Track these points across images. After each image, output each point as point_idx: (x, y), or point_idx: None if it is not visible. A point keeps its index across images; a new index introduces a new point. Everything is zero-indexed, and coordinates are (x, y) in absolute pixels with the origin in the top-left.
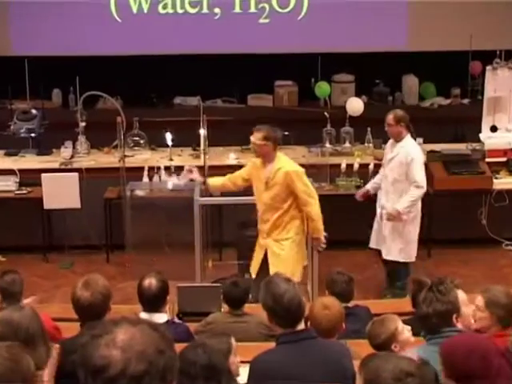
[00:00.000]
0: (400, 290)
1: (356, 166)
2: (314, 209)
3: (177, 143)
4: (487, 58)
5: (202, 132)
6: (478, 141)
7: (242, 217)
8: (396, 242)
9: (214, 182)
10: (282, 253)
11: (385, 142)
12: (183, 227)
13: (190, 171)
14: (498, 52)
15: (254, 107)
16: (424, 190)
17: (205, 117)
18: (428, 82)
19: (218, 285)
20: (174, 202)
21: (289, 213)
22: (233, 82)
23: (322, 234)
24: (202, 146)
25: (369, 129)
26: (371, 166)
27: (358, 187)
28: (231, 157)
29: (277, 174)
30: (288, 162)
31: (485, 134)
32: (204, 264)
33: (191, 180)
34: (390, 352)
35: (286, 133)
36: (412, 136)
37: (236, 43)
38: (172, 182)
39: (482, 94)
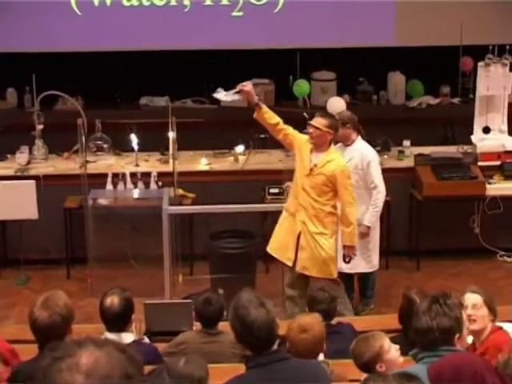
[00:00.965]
0: (370, 298)
1: None
2: (355, 212)
3: (143, 147)
4: (479, 53)
5: (171, 135)
6: (470, 143)
7: (215, 227)
8: (359, 254)
9: (269, 112)
10: (324, 253)
11: (370, 145)
12: (151, 239)
13: (248, 86)
14: (490, 47)
15: (228, 108)
16: (384, 193)
17: (174, 118)
18: (415, 79)
19: (189, 301)
20: (140, 212)
21: (325, 208)
22: (204, 81)
23: (356, 242)
24: (170, 151)
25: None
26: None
27: None
28: (203, 162)
29: (326, 165)
30: (340, 158)
31: (477, 136)
32: (174, 279)
33: (240, 92)
34: (380, 372)
35: (262, 135)
36: (363, 137)
37: (207, 38)
38: (138, 189)
39: (474, 93)
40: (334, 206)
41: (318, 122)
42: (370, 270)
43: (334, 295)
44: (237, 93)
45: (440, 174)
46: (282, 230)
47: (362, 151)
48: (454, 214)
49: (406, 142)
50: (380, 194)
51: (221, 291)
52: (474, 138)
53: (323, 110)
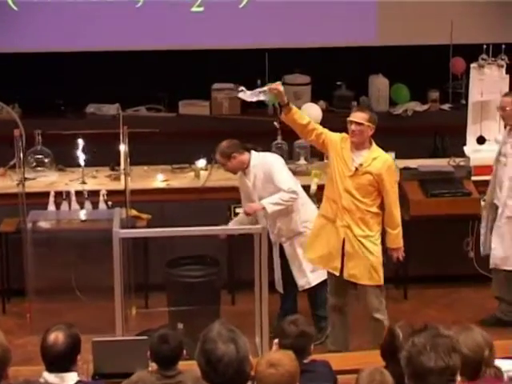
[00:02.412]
0: (324, 319)
1: (313, 187)
2: (399, 213)
3: (91, 162)
4: (471, 53)
5: (123, 148)
6: (463, 155)
7: (173, 253)
8: (299, 266)
9: (298, 112)
10: (372, 257)
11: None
12: (99, 267)
13: (278, 86)
14: (484, 46)
15: (187, 116)
16: (296, 196)
17: (125, 129)
18: (400, 83)
19: (144, 338)
20: (87, 236)
21: (371, 209)
22: (160, 86)
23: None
24: (122, 166)
25: None
26: None
27: None
28: (159, 178)
29: (372, 163)
30: (385, 154)
31: (470, 147)
32: (126, 312)
33: (266, 92)
34: None
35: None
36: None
37: (163, 37)
38: (85, 210)
39: (466, 98)
40: (379, 206)
41: (360, 116)
42: (315, 283)
43: (306, 331)
44: (262, 92)
45: (429, 191)
46: (321, 238)
47: (260, 160)
48: (445, 236)
49: (374, 144)
50: (289, 194)
51: (180, 326)
52: (466, 149)
53: (359, 105)
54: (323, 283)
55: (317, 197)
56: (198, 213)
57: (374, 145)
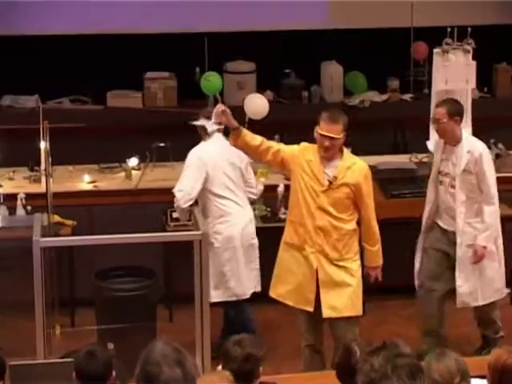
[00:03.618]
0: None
1: (260, 188)
2: (377, 226)
3: (6, 161)
4: (434, 37)
5: (43, 145)
6: (426, 151)
7: (102, 263)
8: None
9: (249, 134)
10: (354, 282)
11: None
12: (18, 280)
13: (223, 112)
14: (448, 29)
15: (116, 109)
16: (180, 196)
17: (46, 123)
18: (356, 71)
19: (69, 360)
20: (3, 245)
21: (349, 226)
22: (85, 75)
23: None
24: (42, 165)
25: (276, 136)
26: (281, 189)
27: (265, 217)
28: (85, 179)
29: (347, 173)
30: (359, 159)
31: (434, 142)
32: (49, 332)
33: (219, 123)
34: None
35: (162, 144)
36: None
37: (89, 20)
38: (1, 216)
39: (430, 87)
40: (356, 222)
41: (335, 130)
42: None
43: (252, 353)
44: (217, 123)
45: (389, 191)
46: (288, 270)
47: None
48: (407, 241)
49: (345, 151)
50: None
51: (111, 346)
52: (430, 144)
53: (328, 111)
54: (230, 305)
55: (264, 199)
56: (130, 218)
57: (345, 151)
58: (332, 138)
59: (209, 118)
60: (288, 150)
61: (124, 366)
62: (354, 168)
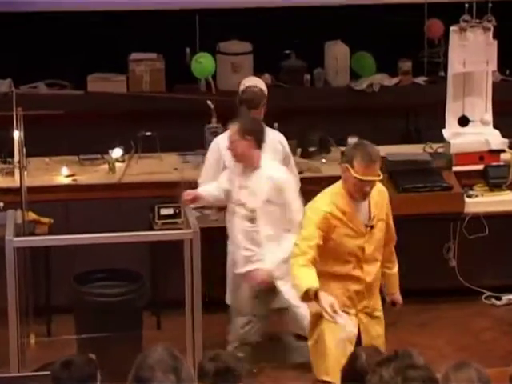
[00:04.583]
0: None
1: None
2: None
3: None
4: (451, 14)
5: (17, 135)
6: (441, 140)
7: (82, 265)
8: None
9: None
10: (382, 332)
11: (302, 143)
12: None
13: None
14: (466, 5)
15: (98, 94)
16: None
17: (20, 110)
18: (364, 51)
19: (46, 373)
20: None
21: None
22: (63, 56)
23: None
24: (16, 157)
25: (276, 124)
26: None
27: None
28: (63, 173)
29: (378, 203)
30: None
31: (451, 130)
32: (23, 342)
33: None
34: None
35: (149, 133)
36: None
37: None
38: None
39: (446, 70)
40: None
41: (374, 171)
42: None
43: (229, 367)
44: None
45: (400, 185)
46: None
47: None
48: (421, 241)
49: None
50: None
51: (92, 356)
52: (446, 132)
53: (362, 146)
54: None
55: None
56: (114, 215)
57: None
58: (374, 181)
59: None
60: (318, 233)
61: (106, 379)
62: (376, 194)
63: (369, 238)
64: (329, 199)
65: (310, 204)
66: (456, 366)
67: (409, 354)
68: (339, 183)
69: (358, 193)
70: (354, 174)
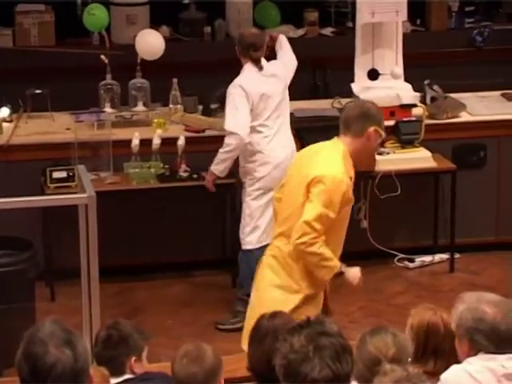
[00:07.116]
0: (241, 302)
1: (156, 141)
2: None
3: None
4: None
5: None
6: (350, 94)
7: None
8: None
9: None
10: None
11: (203, 100)
12: None
13: None
14: None
15: None
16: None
17: None
18: (267, 1)
19: None
20: None
21: None
22: None
23: None
24: None
25: (175, 80)
26: (181, 142)
27: (163, 176)
28: None
29: None
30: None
31: (360, 84)
32: None
33: None
34: None
35: (38, 91)
36: None
37: None
38: None
39: (354, 20)
40: None
41: None
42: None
43: (123, 336)
44: None
45: (307, 142)
46: None
47: None
48: None
49: None
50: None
51: None
52: (355, 86)
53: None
54: (251, 253)
55: (161, 155)
56: (2, 179)
57: None
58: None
59: None
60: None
61: None
62: None
63: None
64: (344, 168)
65: (323, 171)
66: (372, 331)
67: (321, 322)
68: (339, 146)
69: (370, 158)
70: (382, 133)
